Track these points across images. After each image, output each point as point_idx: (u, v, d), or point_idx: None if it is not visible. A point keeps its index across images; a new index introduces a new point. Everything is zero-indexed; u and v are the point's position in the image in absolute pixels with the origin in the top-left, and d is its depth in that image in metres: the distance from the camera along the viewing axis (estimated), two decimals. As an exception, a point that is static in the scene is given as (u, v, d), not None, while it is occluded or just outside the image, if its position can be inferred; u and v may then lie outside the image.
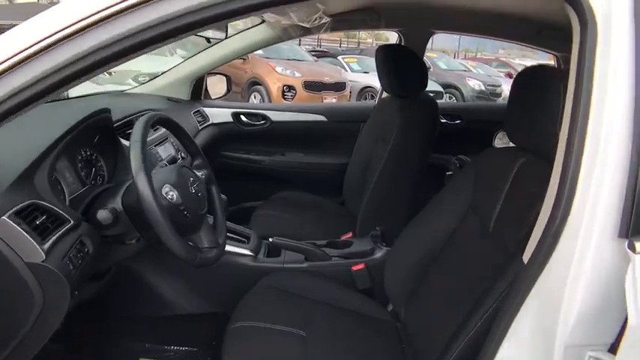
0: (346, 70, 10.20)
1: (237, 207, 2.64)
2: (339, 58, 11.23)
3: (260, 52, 8.59)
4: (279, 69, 8.34)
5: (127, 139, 1.58)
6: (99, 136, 1.43)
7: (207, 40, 1.97)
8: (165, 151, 1.69)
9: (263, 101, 8.16)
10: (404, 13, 2.25)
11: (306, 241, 1.75)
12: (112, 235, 1.22)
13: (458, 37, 16.45)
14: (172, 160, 1.45)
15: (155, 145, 1.66)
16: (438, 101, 2.56)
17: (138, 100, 2.25)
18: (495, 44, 23.66)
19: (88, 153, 1.42)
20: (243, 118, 2.56)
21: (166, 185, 1.16)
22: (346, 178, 2.38)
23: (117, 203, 1.20)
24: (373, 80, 10.04)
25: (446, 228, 1.37)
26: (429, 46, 2.59)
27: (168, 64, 2.57)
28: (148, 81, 2.49)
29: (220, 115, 2.53)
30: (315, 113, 2.57)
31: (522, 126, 1.17)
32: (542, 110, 1.02)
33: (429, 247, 1.39)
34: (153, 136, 1.65)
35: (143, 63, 6.49)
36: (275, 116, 2.54)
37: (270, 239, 1.67)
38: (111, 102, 2.11)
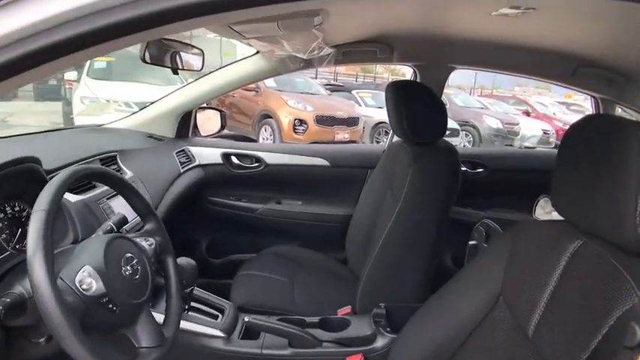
0: (360, 105, 9.97)
1: (224, 259, 2.32)
2: (353, 92, 11.04)
3: (273, 84, 8.45)
4: (291, 102, 8.13)
5: (77, 191, 1.33)
6: (30, 188, 1.13)
7: (174, 71, 1.68)
8: (121, 206, 1.38)
9: (273, 135, 7.92)
10: (420, 47, 1.95)
11: (294, 315, 1.47)
12: (14, 328, 0.91)
13: (474, 73, 16.25)
14: (121, 222, 1.14)
15: (107, 199, 1.35)
16: (454, 143, 2.25)
17: (110, 136, 1.96)
18: (511, 80, 23.47)
19: (16, 209, 1.12)
20: (234, 159, 2.25)
21: (85, 269, 0.85)
22: (349, 232, 2.04)
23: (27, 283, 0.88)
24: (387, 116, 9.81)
25: (468, 322, 1.04)
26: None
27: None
28: (129, 115, 2.21)
29: (209, 155, 2.23)
30: (317, 156, 2.24)
31: (578, 196, 0.86)
32: (613, 177, 0.75)
33: (446, 343, 1.08)
34: (104, 187, 1.34)
35: (137, 91, 6.45)
36: (271, 159, 2.23)
37: (247, 318, 1.34)
38: (74, 138, 1.84)
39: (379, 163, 1.99)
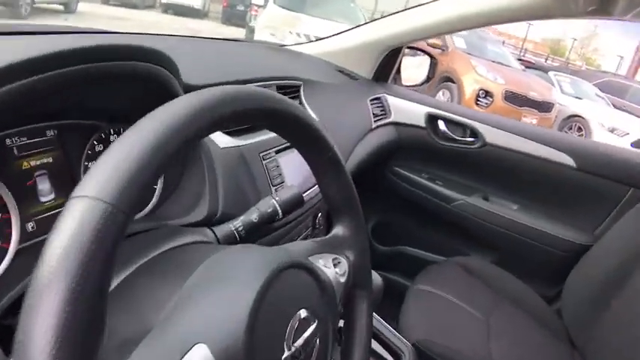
0: (557, 90, 8.56)
1: (393, 248, 1.78)
2: (550, 73, 9.53)
3: (463, 45, 7.52)
4: (480, 69, 7.13)
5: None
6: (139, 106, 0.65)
7: None
8: (293, 168, 0.87)
9: (451, 102, 7.06)
10: None
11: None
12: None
13: None
14: (292, 204, 0.64)
15: (277, 152, 0.85)
16: None
17: (292, 59, 1.47)
18: None
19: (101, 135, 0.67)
20: (441, 125, 1.64)
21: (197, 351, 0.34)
22: (578, 271, 1.35)
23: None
24: (585, 109, 8.32)
25: None
26: None
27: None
28: (315, 41, 1.70)
29: (409, 112, 1.65)
30: (557, 149, 1.53)
31: None
32: None
33: None
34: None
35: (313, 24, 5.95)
36: (493, 136, 1.57)
37: None
38: (246, 51, 1.37)
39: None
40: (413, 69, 1.89)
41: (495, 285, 1.37)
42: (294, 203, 0.67)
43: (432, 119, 1.63)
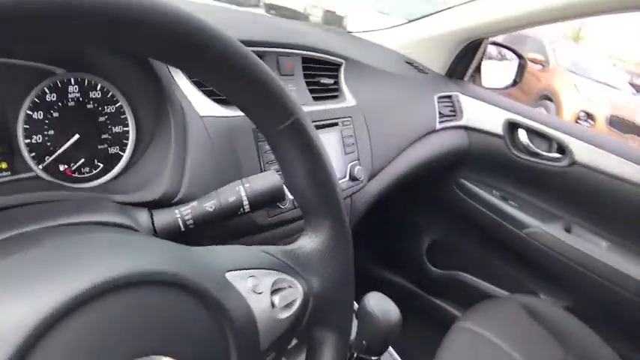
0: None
1: (447, 273, 1.56)
2: (666, 101, 8.54)
3: (567, 62, 6.92)
4: (583, 89, 6.51)
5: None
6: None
7: None
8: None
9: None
10: None
11: None
12: None
13: None
14: (269, 196, 0.47)
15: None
16: None
17: (354, 43, 1.29)
18: None
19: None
20: (522, 136, 1.38)
21: None
22: None
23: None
24: None
25: None
26: None
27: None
28: (386, 29, 1.51)
29: (484, 116, 1.41)
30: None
31: None
32: None
33: None
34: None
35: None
36: (583, 153, 1.29)
37: None
38: (300, 29, 1.21)
39: None
40: (501, 71, 1.64)
41: (565, 337, 1.10)
42: (269, 196, 0.49)
43: (511, 127, 1.37)
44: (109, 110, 0.55)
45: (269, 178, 0.51)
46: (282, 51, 0.78)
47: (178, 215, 0.47)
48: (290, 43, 0.80)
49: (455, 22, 1.35)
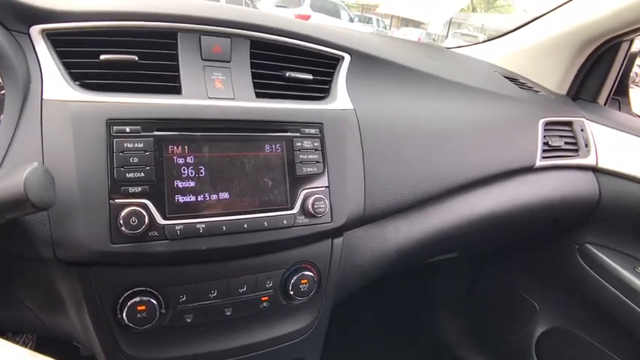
0: None
1: None
2: None
3: None
4: None
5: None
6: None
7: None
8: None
9: None
10: None
11: None
12: None
13: None
14: None
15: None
16: None
17: (452, 63, 0.98)
18: None
19: None
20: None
21: None
22: None
23: None
24: None
25: None
26: None
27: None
28: (487, 40, 1.15)
29: (628, 155, 0.95)
30: None
31: None
32: None
33: None
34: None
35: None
36: None
37: None
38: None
39: None
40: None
41: None
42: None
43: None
44: None
45: (15, 175, 0.37)
46: (205, 29, 0.56)
47: None
48: (224, 20, 0.56)
49: (571, 19, 0.94)
